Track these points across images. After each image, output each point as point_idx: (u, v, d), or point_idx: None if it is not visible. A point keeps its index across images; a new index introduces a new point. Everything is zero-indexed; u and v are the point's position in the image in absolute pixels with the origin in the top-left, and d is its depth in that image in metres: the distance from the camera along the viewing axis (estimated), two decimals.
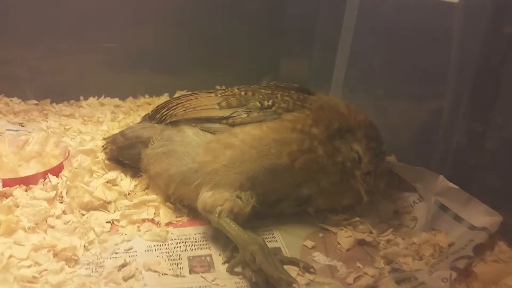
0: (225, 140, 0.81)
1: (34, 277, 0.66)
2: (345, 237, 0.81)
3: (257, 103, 0.85)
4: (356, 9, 1.10)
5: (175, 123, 0.89)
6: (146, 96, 1.35)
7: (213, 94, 0.91)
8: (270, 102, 0.85)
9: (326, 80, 1.21)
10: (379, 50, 1.05)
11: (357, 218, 0.85)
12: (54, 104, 1.27)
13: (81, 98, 1.32)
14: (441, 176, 0.84)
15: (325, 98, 0.88)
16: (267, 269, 0.66)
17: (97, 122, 1.18)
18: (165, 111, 0.92)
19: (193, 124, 0.86)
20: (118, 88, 1.32)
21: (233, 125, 0.83)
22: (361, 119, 0.84)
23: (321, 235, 0.83)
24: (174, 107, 0.91)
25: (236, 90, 0.89)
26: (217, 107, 0.86)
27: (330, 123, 0.82)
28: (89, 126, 1.14)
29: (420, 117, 0.99)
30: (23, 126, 1.11)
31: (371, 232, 0.83)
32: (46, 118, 1.18)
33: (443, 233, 0.81)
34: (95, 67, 1.31)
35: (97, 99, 1.32)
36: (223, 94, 0.90)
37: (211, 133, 0.83)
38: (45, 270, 0.68)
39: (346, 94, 1.14)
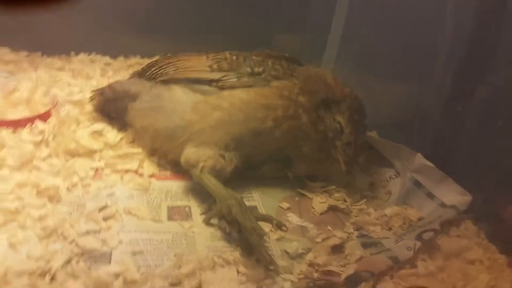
0: (213, 102, 0.83)
1: (16, 210, 0.68)
2: (319, 202, 0.84)
3: (248, 68, 0.87)
4: None
5: (165, 82, 0.90)
6: (138, 56, 1.36)
7: (204, 57, 0.92)
8: (261, 69, 0.87)
9: (317, 58, 1.24)
10: (370, 29, 1.08)
11: (333, 187, 0.88)
12: (45, 56, 1.27)
13: (72, 53, 1.32)
14: (419, 153, 0.87)
15: (314, 69, 0.91)
16: (242, 220, 0.69)
17: (87, 77, 1.18)
18: (155, 69, 0.94)
19: (183, 84, 0.88)
20: (109, 46, 1.33)
21: (223, 88, 0.85)
22: (347, 92, 0.87)
23: (297, 198, 0.86)
24: (165, 66, 0.93)
25: (228, 55, 0.91)
26: (208, 69, 0.88)
27: (316, 93, 0.85)
28: (78, 80, 1.14)
29: (403, 96, 1.02)
30: (13, 75, 1.11)
31: (345, 201, 0.86)
32: (36, 69, 1.18)
33: (414, 208, 0.85)
34: (88, 24, 1.30)
35: (88, 55, 1.32)
36: (214, 57, 0.91)
37: (200, 94, 0.85)
38: (28, 204, 0.70)
39: (336, 70, 1.16)
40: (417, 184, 0.87)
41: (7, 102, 0.94)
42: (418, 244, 0.73)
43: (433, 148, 0.91)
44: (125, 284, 0.59)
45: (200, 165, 0.78)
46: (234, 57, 0.90)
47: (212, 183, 0.76)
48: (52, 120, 0.90)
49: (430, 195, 0.85)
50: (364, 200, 0.87)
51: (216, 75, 0.86)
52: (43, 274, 0.58)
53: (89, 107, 0.98)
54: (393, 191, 0.90)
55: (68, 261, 0.61)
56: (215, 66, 0.88)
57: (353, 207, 0.85)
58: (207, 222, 0.75)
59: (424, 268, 0.70)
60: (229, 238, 0.71)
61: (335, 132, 0.84)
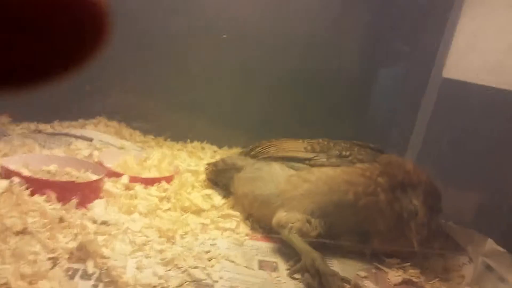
0: (304, 176, 0.99)
1: (143, 243, 0.86)
2: (394, 275, 0.93)
3: (337, 152, 1.04)
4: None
5: (266, 159, 1.10)
6: (239, 147, 1.58)
7: (301, 141, 1.12)
8: (348, 153, 1.03)
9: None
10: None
11: (408, 263, 0.96)
12: (168, 140, 1.55)
13: (188, 140, 1.58)
14: (490, 239, 0.93)
15: (395, 157, 1.04)
16: (323, 268, 0.80)
17: (199, 158, 1.42)
18: (259, 149, 1.14)
19: (280, 161, 1.06)
20: (217, 138, 1.58)
21: (313, 165, 1.02)
22: (423, 178, 0.98)
23: (373, 270, 0.95)
24: (267, 146, 1.13)
25: (321, 140, 1.09)
26: (303, 150, 1.06)
27: (395, 176, 0.98)
28: (193, 159, 1.38)
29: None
30: (144, 149, 1.38)
31: (419, 277, 0.93)
32: (161, 148, 1.45)
33: None
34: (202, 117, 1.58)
35: (200, 143, 1.57)
36: (309, 141, 1.10)
37: (294, 170, 1.03)
38: (152, 240, 0.88)
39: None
40: (489, 268, 0.92)
41: (141, 166, 1.18)
42: None
43: (504, 234, 0.97)
44: None
45: (289, 225, 0.93)
46: (326, 142, 1.08)
47: (299, 242, 0.90)
48: (174, 182, 1.12)
49: (502, 279, 0.89)
50: (437, 279, 0.93)
51: (309, 155, 1.04)
52: None
53: (202, 177, 1.19)
54: (466, 276, 0.96)
55: (181, 284, 0.76)
56: (309, 148, 1.06)
57: (427, 284, 0.92)
58: (292, 274, 0.86)
59: None
60: None
61: (410, 214, 0.95)
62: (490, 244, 0.93)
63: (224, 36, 1.50)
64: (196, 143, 1.58)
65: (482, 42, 1.08)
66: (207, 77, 1.55)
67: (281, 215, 0.96)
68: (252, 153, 1.15)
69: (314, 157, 1.04)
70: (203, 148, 1.56)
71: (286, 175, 1.01)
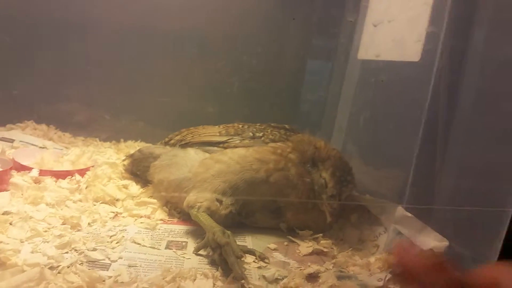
0: (217, 157, 0.99)
1: (44, 231, 0.84)
2: (306, 246, 0.92)
3: (250, 133, 1.04)
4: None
5: (183, 146, 1.09)
6: None
7: (217, 126, 1.12)
8: (261, 134, 1.04)
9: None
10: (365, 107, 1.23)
11: (321, 234, 0.96)
12: (97, 139, 1.52)
13: (122, 140, 1.56)
14: (400, 206, 0.95)
15: (308, 136, 1.05)
16: (221, 240, 0.79)
17: (127, 154, 1.39)
18: (178, 137, 1.13)
19: (196, 147, 1.06)
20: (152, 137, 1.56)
21: (227, 148, 1.02)
22: (332, 153, 1.00)
23: (285, 243, 0.95)
24: (185, 135, 1.12)
25: (236, 124, 1.10)
26: (218, 134, 1.06)
27: (305, 152, 0.98)
28: (121, 155, 1.36)
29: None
30: (67, 149, 1.35)
31: (332, 248, 0.93)
32: (88, 147, 1.42)
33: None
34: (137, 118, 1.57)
35: (134, 142, 1.55)
36: (224, 126, 1.10)
37: (208, 153, 1.02)
38: (53, 227, 0.85)
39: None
40: (399, 234, 0.93)
41: (57, 162, 1.15)
42: (389, 276, 0.78)
43: (415, 202, 0.98)
44: (116, 284, 0.71)
45: (197, 205, 0.92)
46: (241, 125, 1.08)
47: (205, 219, 0.89)
48: (88, 174, 1.09)
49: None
50: (351, 249, 0.94)
51: (223, 138, 1.04)
52: (52, 268, 0.72)
53: (121, 168, 1.17)
54: (380, 245, 0.96)
55: (72, 264, 0.74)
56: (223, 132, 1.06)
57: (339, 254, 0.92)
58: (196, 251, 0.85)
59: None
60: (214, 264, 0.81)
61: (321, 187, 0.96)
62: (400, 211, 0.94)
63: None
64: (129, 142, 1.56)
65: (388, 22, 1.11)
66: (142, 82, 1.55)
67: (190, 197, 0.94)
68: (171, 142, 1.14)
69: (228, 139, 1.04)
70: (137, 147, 1.53)
71: (200, 159, 1.01)
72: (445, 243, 0.87)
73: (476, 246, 0.84)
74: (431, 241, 0.88)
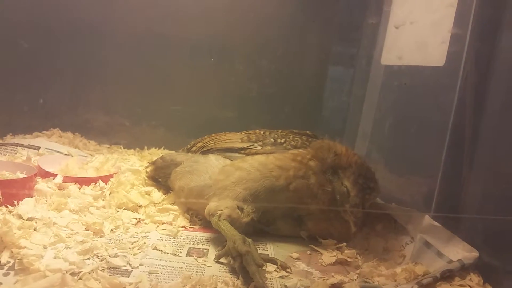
0: (237, 164, 0.98)
1: (67, 237, 0.84)
2: (329, 255, 0.90)
3: (272, 139, 1.03)
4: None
5: (204, 153, 1.09)
6: None
7: (239, 133, 1.11)
8: (283, 140, 1.02)
9: None
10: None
11: (344, 244, 0.94)
12: (121, 146, 1.53)
13: (145, 147, 1.57)
14: (427, 215, 0.92)
15: (328, 141, 1.03)
16: (241, 249, 0.78)
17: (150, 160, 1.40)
18: (199, 144, 1.13)
19: (218, 153, 1.05)
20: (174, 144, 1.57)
21: (248, 154, 1.01)
22: (354, 159, 0.97)
23: (308, 252, 0.93)
24: (207, 141, 1.12)
25: (257, 130, 1.09)
26: (239, 140, 1.06)
27: (325, 159, 0.96)
28: (144, 162, 1.36)
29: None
30: (91, 156, 1.37)
31: (356, 258, 0.91)
32: (112, 154, 1.44)
33: (423, 266, 0.87)
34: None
35: (157, 149, 1.56)
36: (246, 132, 1.10)
37: (229, 159, 1.02)
38: (75, 233, 0.86)
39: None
40: (427, 244, 0.90)
41: (81, 169, 1.17)
42: (416, 287, 0.75)
43: (443, 211, 0.95)
44: None
45: (218, 213, 0.91)
46: (262, 132, 1.07)
47: (226, 227, 0.87)
48: (112, 181, 1.10)
49: (439, 254, 0.87)
50: (376, 259, 0.91)
51: (244, 145, 1.03)
52: (73, 274, 0.72)
53: (144, 175, 1.17)
54: (407, 255, 0.93)
55: (93, 270, 0.74)
56: (245, 138, 1.05)
57: (363, 264, 0.89)
58: (217, 259, 0.84)
59: None
60: (235, 272, 0.80)
61: (343, 195, 0.93)
62: (427, 220, 0.91)
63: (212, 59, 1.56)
64: (153, 149, 1.57)
65: (410, 24, 1.09)
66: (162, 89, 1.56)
67: (211, 205, 0.94)
68: (194, 148, 1.14)
69: (249, 146, 1.03)
70: (159, 154, 1.54)
71: (221, 166, 1.00)
72: (475, 254, 0.83)
73: (508, 256, 0.81)
74: (460, 251, 0.85)
